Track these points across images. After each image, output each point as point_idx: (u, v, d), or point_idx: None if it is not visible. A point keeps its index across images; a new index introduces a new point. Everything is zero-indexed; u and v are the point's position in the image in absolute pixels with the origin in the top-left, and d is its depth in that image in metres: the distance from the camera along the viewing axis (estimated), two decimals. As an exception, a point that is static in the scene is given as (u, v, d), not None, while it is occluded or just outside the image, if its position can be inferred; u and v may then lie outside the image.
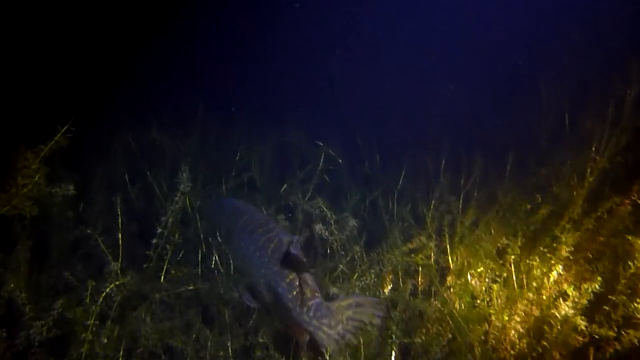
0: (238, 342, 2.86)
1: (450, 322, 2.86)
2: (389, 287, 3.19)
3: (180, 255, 3.30)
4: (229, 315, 3.00)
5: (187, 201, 3.75)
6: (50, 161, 2.82)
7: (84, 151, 5.08)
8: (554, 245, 3.03)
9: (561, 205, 3.30)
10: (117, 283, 2.62)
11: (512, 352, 2.75)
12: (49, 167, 2.81)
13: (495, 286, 2.99)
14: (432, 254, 3.38)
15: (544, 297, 2.82)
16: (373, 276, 3.13)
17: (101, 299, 2.54)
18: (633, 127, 3.44)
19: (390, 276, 3.22)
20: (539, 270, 2.93)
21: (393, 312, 2.93)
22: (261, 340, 2.83)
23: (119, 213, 3.21)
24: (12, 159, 2.72)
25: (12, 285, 2.70)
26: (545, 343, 2.67)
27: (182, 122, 5.94)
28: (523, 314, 2.79)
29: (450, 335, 2.84)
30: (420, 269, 3.34)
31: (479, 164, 4.06)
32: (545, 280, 2.87)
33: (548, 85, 4.90)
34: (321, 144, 4.66)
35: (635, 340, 2.50)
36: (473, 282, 3.11)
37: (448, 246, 3.41)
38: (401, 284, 3.20)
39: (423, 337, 2.83)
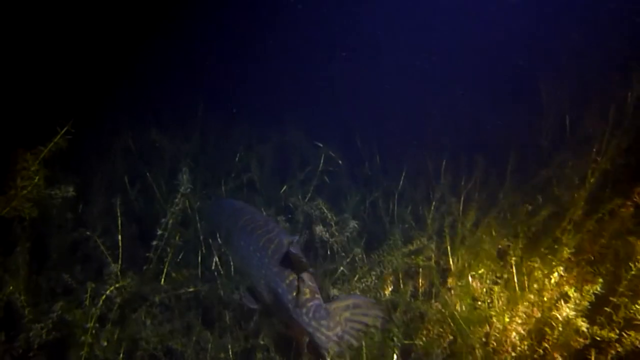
0: (239, 344, 2.85)
1: (451, 323, 2.85)
2: (390, 289, 3.18)
3: (180, 257, 3.29)
4: (230, 317, 2.99)
5: (187, 202, 3.74)
6: (49, 163, 2.81)
7: (83, 152, 5.07)
8: (555, 246, 3.02)
9: (562, 206, 3.30)
10: (117, 285, 2.61)
11: (513, 354, 2.74)
12: (49, 169, 2.80)
13: (496, 288, 2.98)
14: (433, 256, 3.38)
15: (545, 299, 2.82)
16: (374, 278, 3.12)
17: (101, 301, 2.53)
18: (635, 128, 3.43)
19: (391, 278, 3.22)
20: (540, 272, 2.92)
21: (394, 314, 2.93)
22: (262, 343, 2.82)
23: (119, 214, 3.20)
24: (12, 161, 2.71)
25: (11, 287, 2.69)
26: (546, 345, 2.67)
27: (182, 123, 5.94)
28: (524, 315, 2.78)
29: (451, 337, 2.84)
30: (420, 270, 3.33)
31: (479, 164, 4.05)
32: (547, 281, 2.87)
33: (548, 86, 4.89)
34: (321, 145, 4.65)
35: (637, 342, 2.50)
36: (474, 283, 3.10)
37: (449, 247, 3.40)
38: (402, 285, 3.20)
39: (424, 339, 2.83)
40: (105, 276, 2.73)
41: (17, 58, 5.96)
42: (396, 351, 2.48)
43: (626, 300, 2.64)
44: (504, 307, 2.86)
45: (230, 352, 2.80)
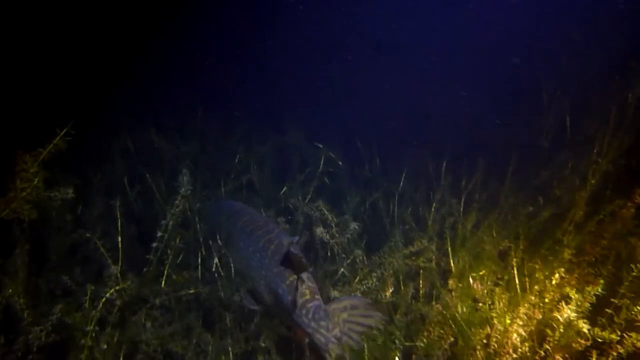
0: (239, 346, 2.84)
1: (452, 325, 2.84)
2: (390, 291, 3.18)
3: (180, 259, 3.28)
4: (230, 319, 2.98)
5: (187, 204, 3.73)
6: (49, 164, 2.80)
7: (82, 153, 5.06)
8: (556, 248, 3.02)
9: (563, 207, 3.29)
10: (117, 288, 2.60)
11: (514, 356, 2.73)
12: (48, 171, 2.79)
13: (497, 289, 2.98)
14: (434, 257, 3.37)
15: (546, 300, 2.81)
16: (374, 280, 3.12)
17: (101, 304, 2.52)
18: (635, 128, 3.42)
19: (392, 279, 3.21)
20: (541, 273, 2.91)
21: (395, 316, 2.92)
22: (263, 345, 2.81)
23: (118, 216, 3.19)
24: (11, 163, 2.70)
25: (10, 290, 2.68)
26: (547, 346, 2.65)
27: (182, 123, 5.93)
28: (525, 317, 2.77)
29: (452, 339, 2.83)
30: (421, 271, 3.33)
31: (480, 165, 4.04)
32: (548, 283, 2.86)
33: (549, 86, 4.89)
34: (321, 146, 4.64)
35: (638, 344, 2.49)
36: (475, 285, 3.09)
37: (449, 249, 3.40)
38: (402, 287, 3.19)
39: (425, 341, 2.81)
40: (105, 278, 2.72)
41: (16, 59, 5.94)
42: (398, 354, 2.47)
43: (628, 301, 2.63)
44: (505, 309, 2.85)
45: (231, 354, 2.79)
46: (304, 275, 2.88)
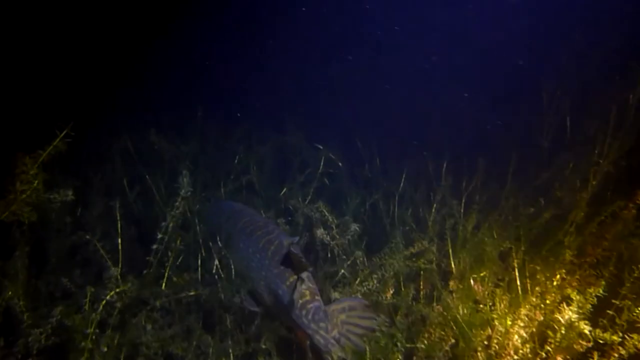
0: (240, 348, 2.83)
1: (453, 326, 2.83)
2: (391, 292, 3.17)
3: (179, 260, 3.28)
4: (231, 321, 2.98)
5: (187, 205, 3.72)
6: (48, 166, 2.79)
7: (82, 154, 5.05)
8: (558, 249, 3.01)
9: (564, 209, 3.28)
10: (117, 290, 2.59)
11: (515, 357, 2.73)
12: (48, 172, 2.78)
13: (498, 290, 2.97)
14: (434, 258, 3.36)
15: (548, 302, 2.80)
16: (375, 281, 3.11)
17: (101, 306, 2.51)
18: (636, 129, 3.42)
19: (392, 281, 3.20)
20: (542, 275, 2.90)
21: (396, 318, 2.92)
22: (264, 347, 2.81)
23: (118, 218, 3.18)
24: (11, 165, 2.69)
25: (10, 292, 2.67)
26: (548, 348, 2.65)
27: (182, 124, 5.91)
28: (526, 318, 2.77)
29: (453, 340, 2.82)
30: (422, 273, 3.32)
31: (480, 166, 4.03)
32: (549, 284, 2.85)
33: (549, 86, 4.88)
34: (321, 147, 4.64)
35: (640, 345, 2.48)
36: (476, 286, 3.08)
37: (450, 250, 3.39)
38: (403, 288, 3.18)
39: (426, 342, 2.81)
40: (105, 280, 2.72)
41: (15, 61, 5.93)
42: (400, 357, 2.47)
43: (629, 303, 2.62)
44: (506, 310, 2.85)
45: (232, 357, 2.79)
46: (304, 275, 2.88)
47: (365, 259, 3.41)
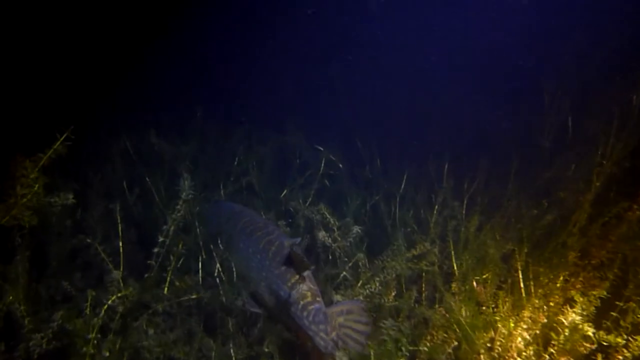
0: (242, 351, 2.82)
1: (456, 329, 2.82)
2: (393, 294, 3.16)
3: (180, 263, 3.26)
4: (233, 324, 2.96)
5: (188, 207, 3.70)
6: (48, 169, 2.78)
7: (81, 156, 5.02)
8: (561, 250, 3.00)
9: (567, 210, 3.27)
10: (119, 295, 2.57)
11: (518, 359, 2.72)
12: (48, 176, 2.77)
13: (501, 292, 2.96)
14: (436, 260, 3.35)
15: (551, 304, 2.79)
16: (377, 284, 3.10)
17: (103, 311, 2.50)
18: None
19: (394, 283, 3.19)
20: (545, 276, 2.89)
21: (397, 320, 2.90)
22: (266, 350, 2.80)
23: (119, 220, 3.17)
24: (11, 169, 2.67)
25: (11, 297, 2.66)
26: (552, 350, 2.64)
27: (182, 124, 5.89)
28: (529, 320, 2.75)
29: (455, 343, 2.82)
30: (424, 275, 3.31)
31: (482, 167, 4.02)
32: (552, 286, 2.84)
33: (550, 86, 4.87)
34: (321, 148, 4.62)
35: (644, 347, 2.47)
36: (478, 288, 3.07)
37: (452, 252, 3.38)
38: (405, 290, 3.17)
39: (428, 345, 2.80)
40: (106, 284, 2.70)
41: (15, 62, 5.91)
42: (403, 360, 2.46)
43: (634, 305, 2.62)
44: (509, 312, 2.84)
45: (234, 360, 2.77)
46: (306, 274, 2.88)
47: (366, 261, 3.40)
